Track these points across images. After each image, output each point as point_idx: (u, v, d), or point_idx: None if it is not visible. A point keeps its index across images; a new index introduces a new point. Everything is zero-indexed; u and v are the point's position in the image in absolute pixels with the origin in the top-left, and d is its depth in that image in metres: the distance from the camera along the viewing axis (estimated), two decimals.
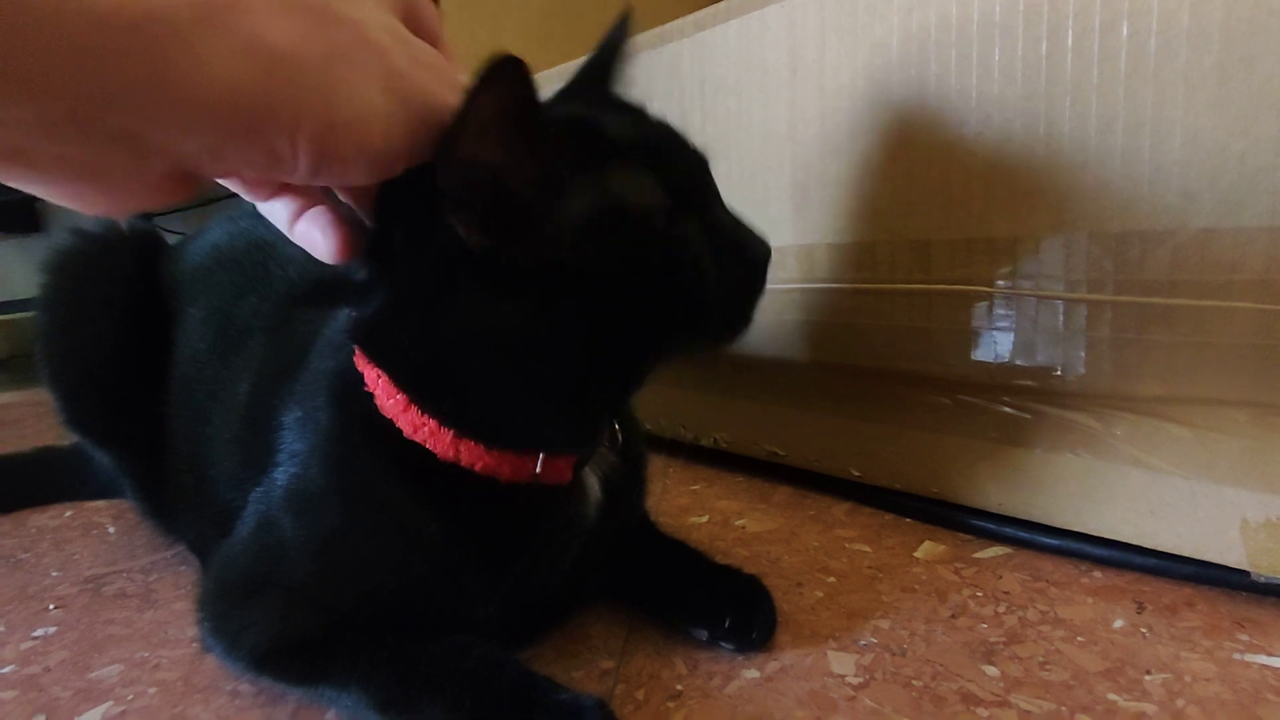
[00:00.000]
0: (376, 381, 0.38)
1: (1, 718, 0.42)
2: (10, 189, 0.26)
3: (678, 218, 0.36)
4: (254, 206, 0.34)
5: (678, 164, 0.37)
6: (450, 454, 0.37)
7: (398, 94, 0.27)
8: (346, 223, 0.33)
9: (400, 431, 0.37)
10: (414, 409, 0.37)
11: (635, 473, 0.48)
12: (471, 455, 0.37)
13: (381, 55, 0.27)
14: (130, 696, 0.43)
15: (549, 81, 0.38)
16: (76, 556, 0.63)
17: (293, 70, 0.24)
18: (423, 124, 0.28)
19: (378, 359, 0.38)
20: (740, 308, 0.40)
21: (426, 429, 0.37)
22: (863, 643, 0.43)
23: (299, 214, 0.32)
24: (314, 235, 0.33)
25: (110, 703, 0.43)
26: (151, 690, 0.44)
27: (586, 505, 0.42)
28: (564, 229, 0.33)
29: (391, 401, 0.37)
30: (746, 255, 0.39)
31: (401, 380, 0.37)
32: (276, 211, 0.33)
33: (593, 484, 0.42)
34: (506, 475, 0.38)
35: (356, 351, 0.39)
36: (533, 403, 0.37)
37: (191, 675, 0.45)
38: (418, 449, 0.37)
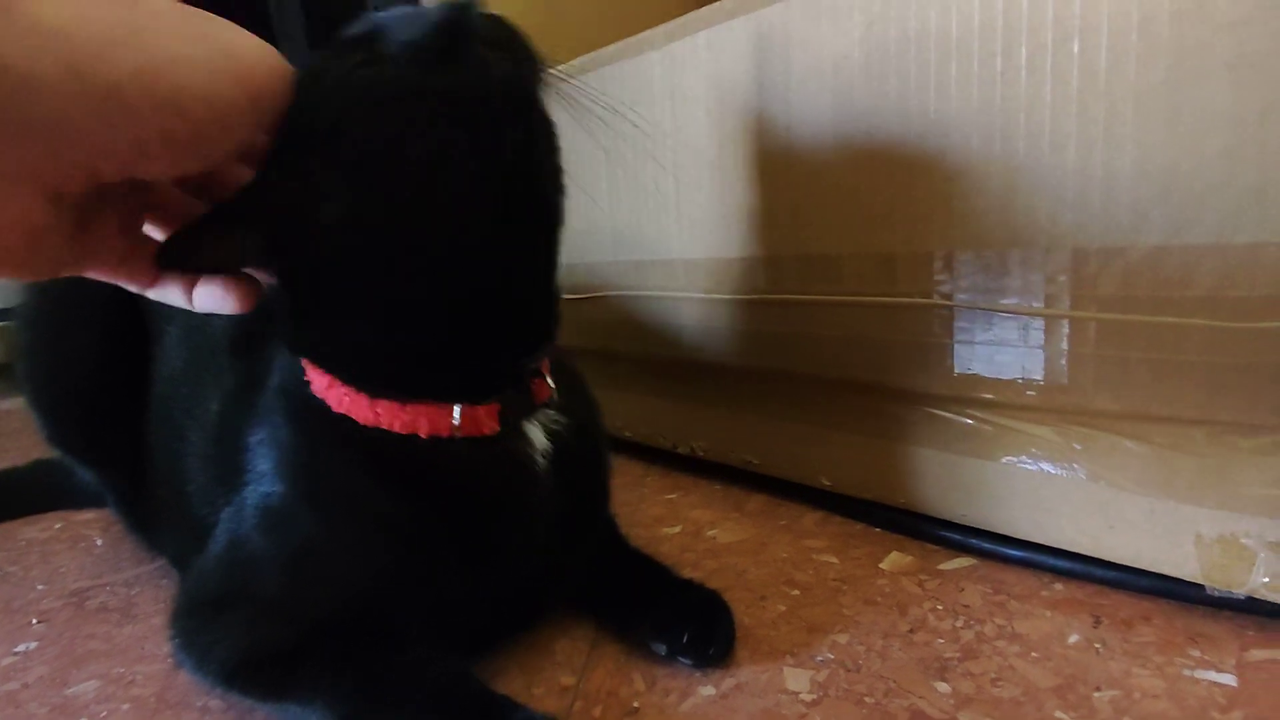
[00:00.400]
0: (309, 371, 0.40)
1: None
2: None
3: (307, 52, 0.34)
4: None
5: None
6: (371, 418, 0.38)
7: (202, 51, 0.27)
8: (241, 278, 0.35)
9: (329, 409, 0.39)
10: (337, 383, 0.39)
11: (587, 431, 0.47)
12: (390, 415, 0.38)
13: (162, 18, 0.26)
14: (104, 713, 0.44)
15: None
16: (62, 569, 0.65)
17: (89, 44, 0.24)
18: (239, 69, 0.28)
19: (301, 352, 0.40)
20: (484, 54, 0.35)
21: (348, 399, 0.38)
22: (819, 658, 0.43)
23: (192, 285, 0.33)
24: (215, 295, 0.34)
25: (84, 719, 0.44)
26: (125, 706, 0.45)
27: (534, 453, 0.42)
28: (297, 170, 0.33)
29: (320, 383, 0.39)
30: (431, 20, 0.35)
31: (318, 359, 0.39)
32: (170, 294, 0.34)
33: (535, 433, 0.42)
34: (426, 430, 0.38)
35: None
36: (420, 300, 0.37)
37: (165, 691, 0.46)
38: (350, 426, 0.38)
